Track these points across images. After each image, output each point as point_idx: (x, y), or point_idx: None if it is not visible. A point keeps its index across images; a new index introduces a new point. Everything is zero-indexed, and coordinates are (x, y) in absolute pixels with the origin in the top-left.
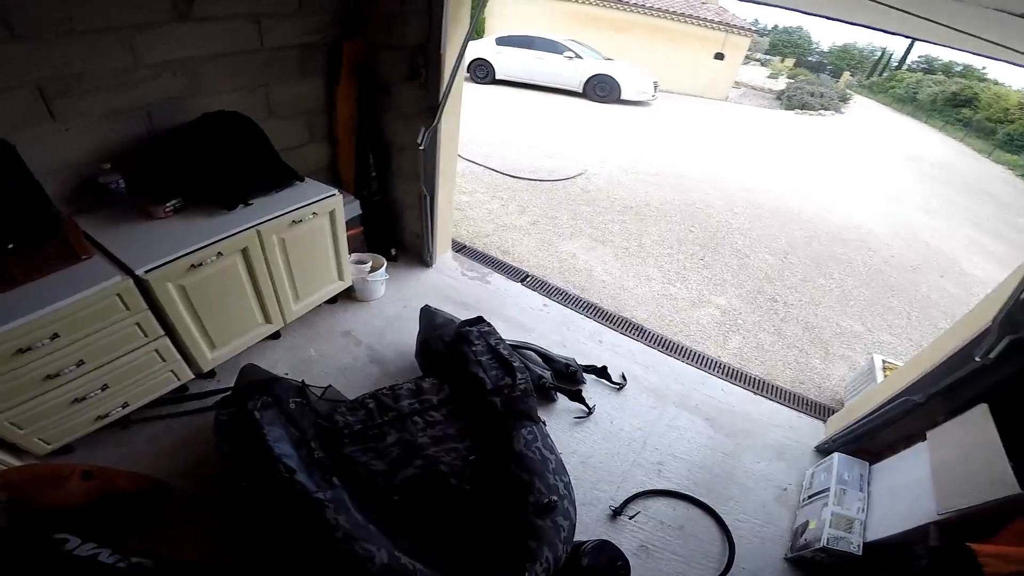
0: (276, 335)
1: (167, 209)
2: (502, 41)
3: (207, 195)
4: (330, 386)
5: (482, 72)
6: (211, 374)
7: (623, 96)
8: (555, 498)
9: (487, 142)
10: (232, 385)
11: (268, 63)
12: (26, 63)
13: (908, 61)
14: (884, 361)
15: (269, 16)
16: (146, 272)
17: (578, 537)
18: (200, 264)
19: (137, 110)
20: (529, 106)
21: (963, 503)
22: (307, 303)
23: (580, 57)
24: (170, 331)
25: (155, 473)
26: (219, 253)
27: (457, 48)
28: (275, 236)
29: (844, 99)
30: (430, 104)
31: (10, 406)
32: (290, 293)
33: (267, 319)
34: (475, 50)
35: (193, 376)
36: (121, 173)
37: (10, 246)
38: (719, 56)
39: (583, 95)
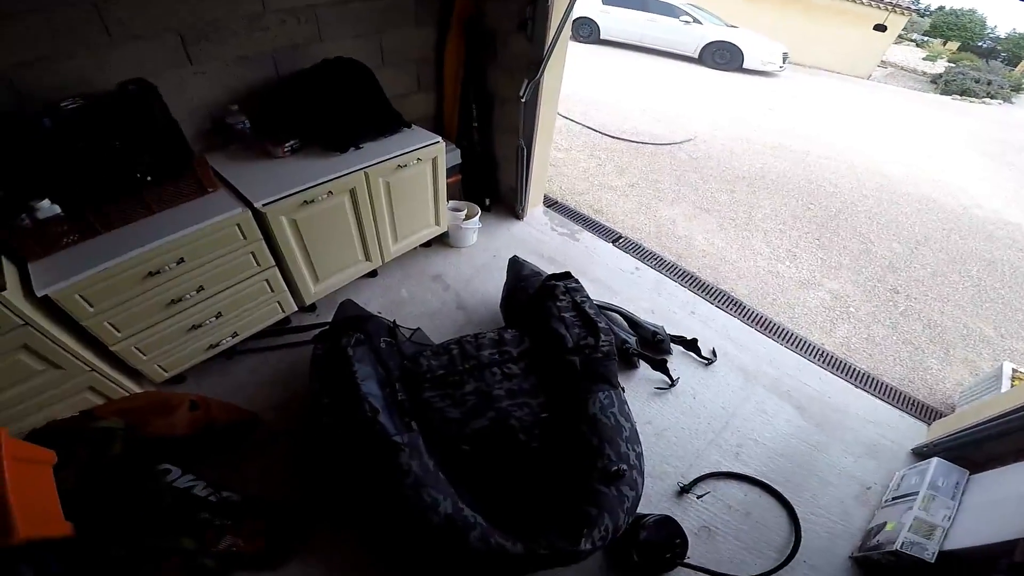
0: (373, 273)
1: (285, 149)
2: (609, 0)
3: (322, 137)
4: (419, 329)
5: (586, 31)
6: (312, 308)
7: (745, 64)
8: (624, 467)
9: (587, 101)
10: (330, 321)
11: (384, 11)
12: (169, 10)
13: None
14: (1015, 370)
15: None
16: (263, 205)
17: (641, 509)
18: (312, 201)
19: (264, 55)
20: (636, 68)
21: None
22: (404, 244)
23: (699, 22)
24: (280, 262)
25: (249, 405)
26: (330, 192)
27: (565, 2)
28: (381, 179)
29: (1017, 88)
30: (535, 57)
31: (138, 330)
32: (390, 234)
33: (367, 257)
34: (579, 8)
35: (296, 309)
36: (246, 115)
37: (149, 178)
38: (880, 27)
39: (699, 61)
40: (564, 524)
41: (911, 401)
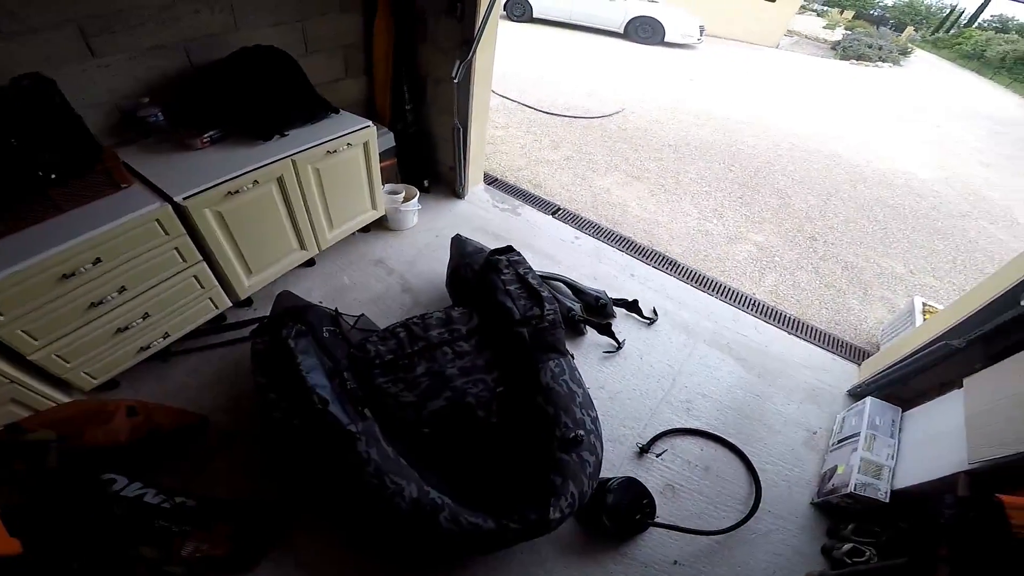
0: (311, 262)
1: (204, 140)
2: None
3: (244, 127)
4: (363, 315)
5: (519, 10)
6: (248, 302)
7: (667, 39)
8: (581, 432)
9: (522, 78)
10: (267, 315)
11: None
12: (66, 2)
13: (980, 19)
14: (925, 304)
15: None
16: (184, 199)
17: (604, 474)
18: (237, 191)
19: (176, 46)
20: (566, 45)
21: (996, 453)
22: (341, 231)
23: None
24: (208, 256)
25: (194, 407)
26: (255, 181)
27: None
28: (310, 166)
29: (904, 52)
30: (465, 37)
31: (57, 337)
32: (324, 221)
33: (302, 245)
34: None
35: (231, 304)
36: (160, 107)
37: (53, 176)
38: None
39: (624, 36)
40: (531, 496)
41: (840, 343)
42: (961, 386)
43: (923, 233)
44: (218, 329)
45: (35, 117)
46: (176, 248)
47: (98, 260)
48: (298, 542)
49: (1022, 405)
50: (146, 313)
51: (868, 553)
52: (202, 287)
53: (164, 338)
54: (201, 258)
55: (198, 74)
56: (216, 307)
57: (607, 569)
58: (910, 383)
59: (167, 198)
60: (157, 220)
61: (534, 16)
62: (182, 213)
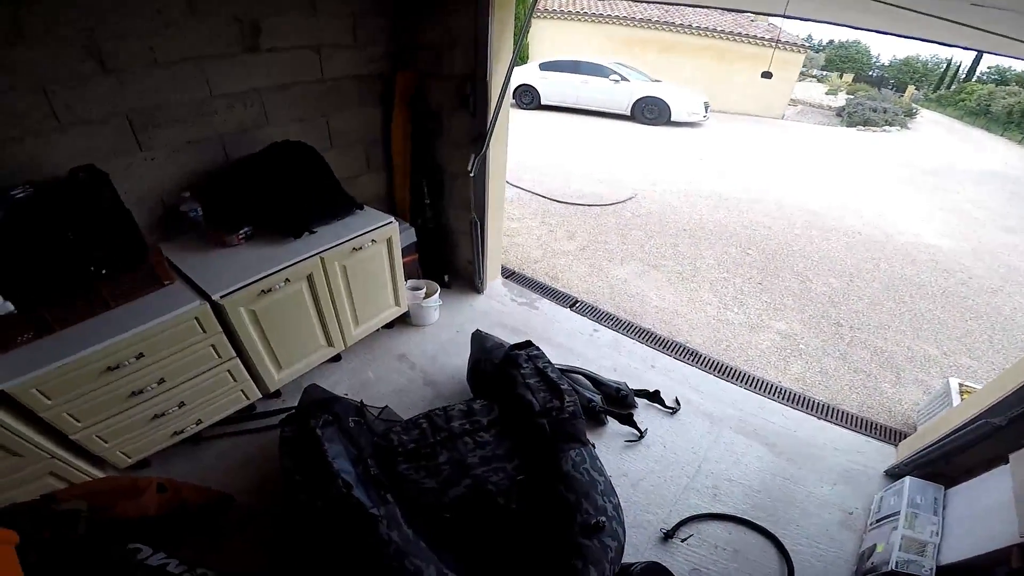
0: (337, 358)
1: (239, 237)
2: (546, 66)
3: (275, 223)
4: (387, 407)
5: (527, 98)
6: (277, 394)
7: (673, 118)
8: (603, 519)
9: (534, 168)
10: (296, 404)
11: (326, 94)
12: (116, 95)
13: (977, 72)
14: (961, 384)
15: (328, 47)
16: (221, 297)
17: (627, 559)
18: (269, 290)
19: (213, 140)
20: (575, 130)
21: None
22: (366, 327)
23: (627, 80)
24: (241, 353)
25: (221, 488)
26: (287, 279)
27: (503, 75)
28: (337, 263)
29: (910, 113)
30: (479, 131)
31: (98, 420)
32: (350, 318)
33: (329, 342)
34: (519, 76)
35: (260, 396)
36: (199, 202)
37: (103, 272)
38: (766, 75)
39: (631, 118)
40: None
41: (874, 425)
42: (1007, 462)
43: (954, 312)
44: (247, 418)
45: (90, 210)
46: (212, 345)
47: (141, 355)
48: None
49: None
50: (182, 402)
51: None
52: (234, 380)
53: (197, 424)
54: (235, 354)
55: (232, 169)
56: (247, 398)
57: None
58: (952, 461)
59: (206, 296)
60: (196, 318)
61: (542, 103)
62: (219, 311)
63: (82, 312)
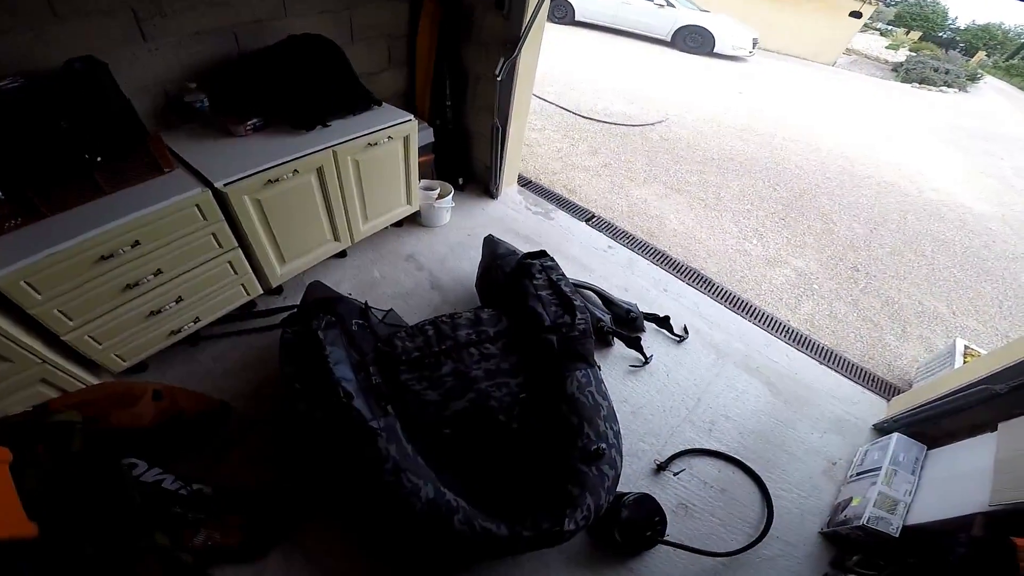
0: (342, 254)
1: (247, 127)
2: None
3: (287, 115)
4: (391, 310)
5: (560, 12)
6: (279, 290)
7: (716, 49)
8: (603, 446)
9: (561, 82)
10: (298, 303)
11: None
12: None
13: None
14: (967, 346)
15: None
16: (225, 185)
17: (621, 488)
18: (277, 180)
19: (225, 31)
20: (609, 51)
21: (1019, 497)
22: (375, 224)
23: (672, 5)
24: (243, 243)
25: (218, 393)
26: (295, 170)
27: None
28: (350, 157)
29: (973, 78)
30: (511, 35)
31: (91, 319)
32: (360, 213)
33: (336, 237)
34: None
35: (262, 291)
36: (205, 92)
37: (99, 159)
38: (855, 14)
39: (671, 44)
40: (547, 505)
41: (871, 377)
42: (994, 429)
43: (971, 273)
44: (248, 316)
45: (86, 100)
46: (213, 233)
47: (136, 243)
48: (309, 537)
49: None
50: (179, 297)
51: None
52: (235, 273)
53: (195, 322)
54: (236, 244)
55: (243, 61)
56: (248, 294)
57: None
58: (940, 423)
59: (208, 184)
60: (197, 205)
61: (576, 19)
62: (222, 199)
63: (75, 198)
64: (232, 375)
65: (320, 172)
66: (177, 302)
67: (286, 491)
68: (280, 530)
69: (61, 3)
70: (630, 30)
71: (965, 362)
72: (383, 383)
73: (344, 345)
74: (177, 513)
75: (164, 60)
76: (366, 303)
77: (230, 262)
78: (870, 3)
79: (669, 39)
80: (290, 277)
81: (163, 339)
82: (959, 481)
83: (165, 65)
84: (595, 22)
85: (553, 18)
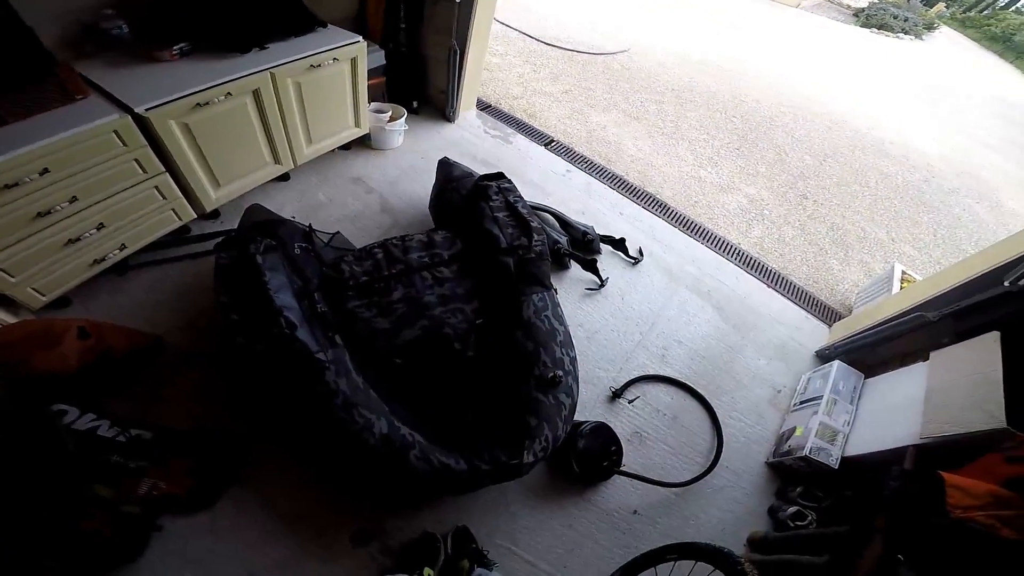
0: (285, 177)
1: (174, 52)
2: None
3: (219, 39)
4: (338, 232)
5: None
6: (215, 215)
7: None
8: (560, 373)
9: (524, 7)
10: (236, 227)
11: None
12: None
13: (1020, 3)
14: (904, 272)
15: None
16: (147, 110)
17: (577, 416)
18: (207, 103)
19: None
20: None
21: (947, 431)
22: (319, 147)
23: None
24: (171, 168)
25: (151, 326)
26: (228, 93)
27: None
28: (290, 79)
29: (929, 27)
30: None
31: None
32: (303, 136)
33: (276, 160)
34: None
35: (195, 216)
36: (125, 19)
37: None
38: None
39: None
40: (505, 437)
41: (815, 302)
42: (925, 359)
43: (910, 203)
44: (181, 242)
45: None
46: (136, 159)
47: (45, 170)
48: (262, 478)
49: (982, 385)
50: (100, 224)
51: (810, 517)
52: (164, 198)
53: (120, 250)
54: (163, 169)
55: None
56: (179, 219)
57: (570, 514)
58: (878, 350)
59: (127, 109)
60: (115, 131)
61: None
62: (144, 125)
63: None
64: (165, 307)
65: (257, 95)
66: (98, 229)
67: (231, 431)
68: (229, 473)
69: None
70: None
71: (902, 287)
72: (329, 311)
73: (286, 271)
74: (117, 462)
75: None
76: (310, 225)
77: (157, 187)
78: None
79: None
80: (227, 201)
81: (85, 269)
82: (893, 412)
83: None
84: None
85: None
